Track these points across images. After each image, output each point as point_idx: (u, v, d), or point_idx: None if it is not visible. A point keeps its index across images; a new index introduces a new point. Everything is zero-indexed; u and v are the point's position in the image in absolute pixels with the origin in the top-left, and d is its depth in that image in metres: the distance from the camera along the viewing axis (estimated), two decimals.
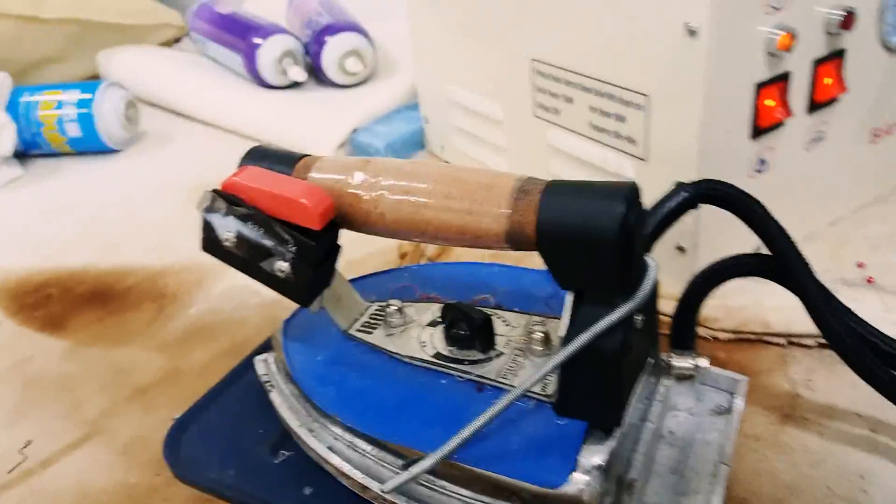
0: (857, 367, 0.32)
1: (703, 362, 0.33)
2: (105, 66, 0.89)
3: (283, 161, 0.34)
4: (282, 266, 0.32)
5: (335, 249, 0.33)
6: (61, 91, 0.72)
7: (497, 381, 0.32)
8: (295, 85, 0.81)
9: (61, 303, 0.52)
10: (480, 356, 0.34)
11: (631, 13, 0.40)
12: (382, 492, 0.31)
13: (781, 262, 0.32)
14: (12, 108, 0.72)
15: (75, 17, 0.87)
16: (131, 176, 0.71)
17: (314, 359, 0.37)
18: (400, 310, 0.37)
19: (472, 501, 0.30)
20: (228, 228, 0.32)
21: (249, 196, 0.32)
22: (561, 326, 0.28)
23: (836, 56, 0.42)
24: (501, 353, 0.34)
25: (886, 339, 0.32)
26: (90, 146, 0.73)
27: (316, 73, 0.81)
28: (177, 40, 1.00)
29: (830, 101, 0.43)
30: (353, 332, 0.37)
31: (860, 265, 0.44)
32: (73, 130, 0.72)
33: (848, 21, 0.40)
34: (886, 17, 0.43)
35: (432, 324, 0.36)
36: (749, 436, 0.35)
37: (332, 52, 0.78)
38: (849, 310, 0.33)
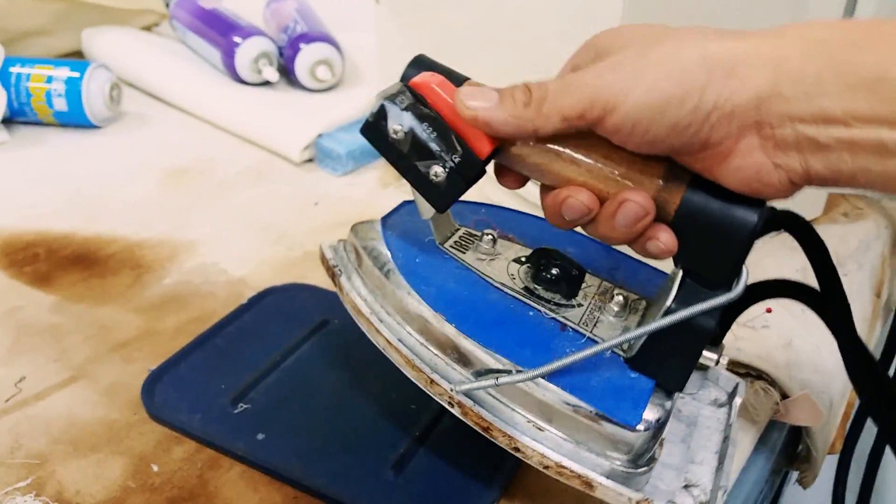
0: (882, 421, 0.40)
1: (724, 360, 0.37)
2: (88, 44, 0.95)
3: (452, 78, 0.37)
4: (438, 172, 0.35)
5: (484, 172, 0.36)
6: (52, 67, 0.79)
7: (580, 327, 0.37)
8: (267, 83, 0.89)
9: (48, 262, 0.59)
10: (563, 301, 0.39)
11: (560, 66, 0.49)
12: (453, 389, 0.36)
13: (826, 299, 0.40)
14: (3, 77, 0.78)
15: None
16: (111, 153, 0.78)
17: (412, 257, 0.40)
18: (494, 240, 0.42)
19: (530, 420, 0.35)
20: (402, 122, 0.35)
21: (433, 100, 0.35)
22: (664, 296, 0.34)
23: None
24: (580, 304, 0.39)
25: None
26: (74, 120, 0.80)
27: (288, 75, 0.89)
28: (156, 24, 1.06)
29: None
30: (446, 247, 0.41)
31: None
32: (60, 104, 0.78)
33: None
34: None
35: (518, 261, 0.41)
36: None
37: (305, 59, 0.86)
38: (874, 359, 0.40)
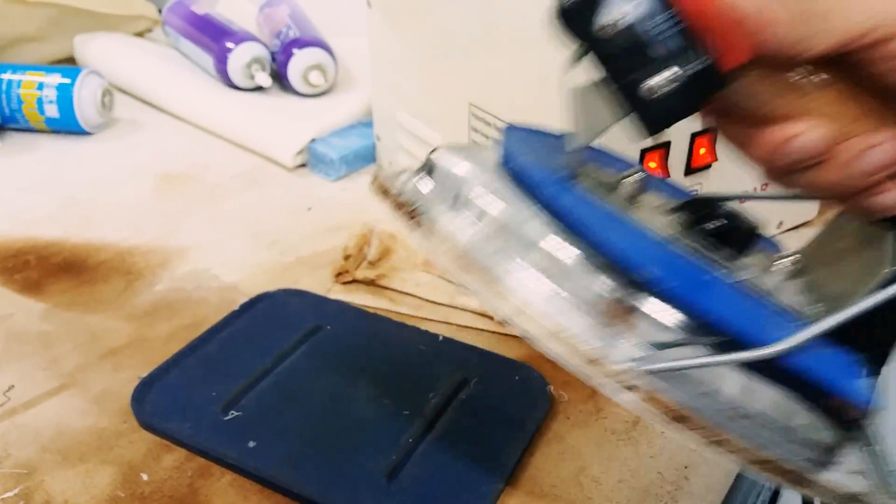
0: None
1: None
2: (81, 50, 0.94)
3: None
4: (659, 83, 0.27)
5: (717, 91, 0.28)
6: (44, 73, 0.78)
7: (768, 292, 0.31)
8: (260, 89, 0.89)
9: (38, 269, 0.59)
10: (727, 258, 0.33)
11: (552, 78, 0.49)
12: (636, 368, 0.26)
13: None
14: None
15: (56, 2, 0.92)
16: (103, 159, 0.78)
17: (552, 194, 0.31)
18: (641, 182, 0.34)
19: (734, 406, 0.27)
20: (624, 11, 0.27)
21: None
22: (857, 258, 0.31)
23: (710, 131, 0.52)
24: (746, 266, 0.33)
25: None
26: (66, 127, 0.79)
27: (280, 80, 0.89)
28: (149, 30, 1.05)
29: (704, 167, 0.53)
30: (583, 187, 0.32)
31: None
32: (52, 111, 0.78)
33: None
34: None
35: (665, 211, 0.35)
36: (608, 429, 0.45)
37: (298, 64, 0.85)
38: None
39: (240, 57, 0.86)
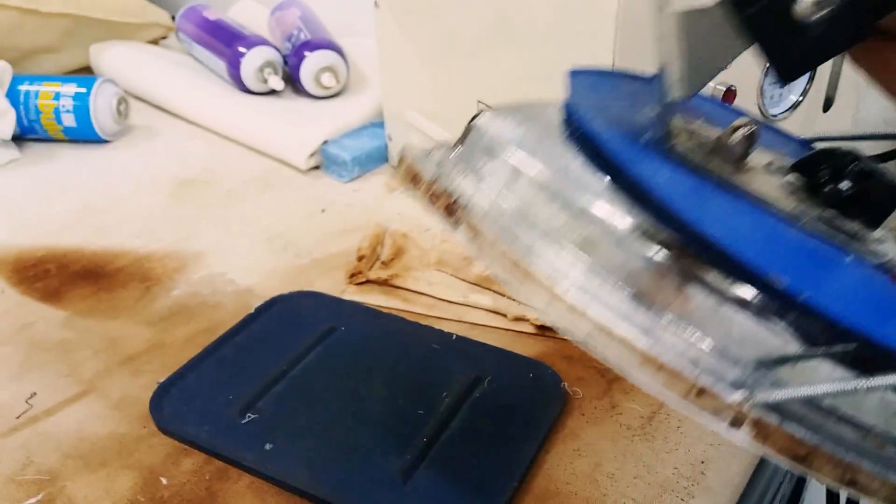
0: None
1: None
2: (96, 59, 0.95)
3: None
4: (816, 4, 0.22)
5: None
6: (60, 83, 0.79)
7: None
8: (272, 92, 0.89)
9: (59, 277, 0.60)
10: (861, 230, 0.26)
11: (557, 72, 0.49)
12: (755, 402, 0.20)
13: None
14: (12, 95, 0.79)
15: (71, 12, 0.93)
16: (119, 166, 0.79)
17: (646, 170, 0.24)
18: (751, 136, 0.27)
19: (870, 433, 0.22)
20: None
21: None
22: None
23: None
24: (885, 238, 0.27)
25: None
26: (83, 135, 0.80)
27: (293, 83, 0.89)
28: (163, 37, 1.06)
29: None
30: (676, 150, 0.26)
31: None
32: (69, 120, 0.79)
33: (729, 95, 0.50)
34: (764, 92, 0.53)
35: (781, 170, 0.28)
36: (623, 425, 0.45)
37: (310, 66, 0.86)
38: None
39: (252, 61, 0.87)
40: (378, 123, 0.78)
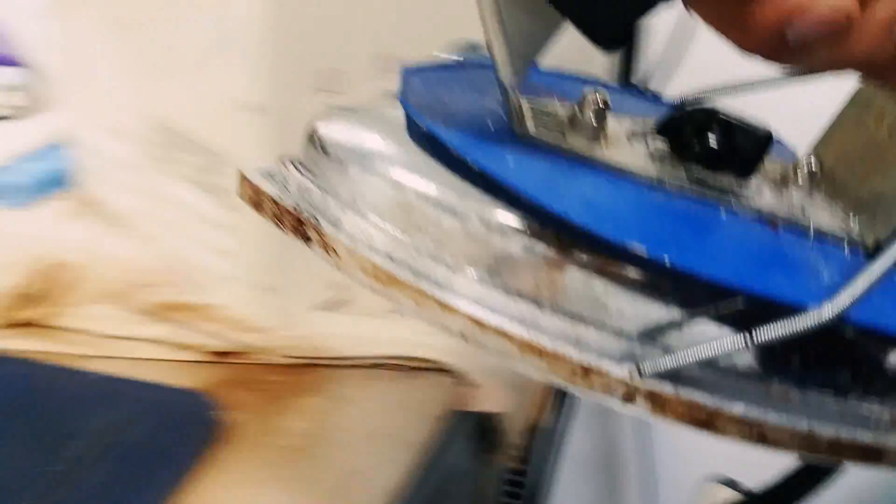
0: None
1: None
2: None
3: None
4: None
5: None
6: None
7: (796, 221, 0.25)
8: None
9: None
10: (735, 184, 0.26)
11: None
12: (646, 372, 0.20)
13: None
14: None
15: None
16: None
17: (492, 156, 0.24)
18: (603, 102, 0.26)
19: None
20: None
21: None
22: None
23: None
24: (762, 189, 0.27)
25: None
26: None
27: None
28: None
29: None
30: (530, 133, 0.25)
31: None
32: None
33: None
34: None
35: (644, 135, 0.27)
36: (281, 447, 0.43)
37: None
38: None
39: None
40: (58, 146, 0.71)
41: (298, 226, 0.24)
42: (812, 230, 0.26)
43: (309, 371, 0.49)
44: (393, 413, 0.46)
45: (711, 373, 0.21)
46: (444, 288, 0.22)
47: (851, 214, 0.27)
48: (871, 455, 0.21)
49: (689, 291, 0.21)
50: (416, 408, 0.46)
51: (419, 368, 0.48)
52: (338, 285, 0.52)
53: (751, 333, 0.20)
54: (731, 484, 0.41)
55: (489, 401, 0.49)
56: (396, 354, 0.48)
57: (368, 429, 0.45)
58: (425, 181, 0.24)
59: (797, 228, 0.26)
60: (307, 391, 0.47)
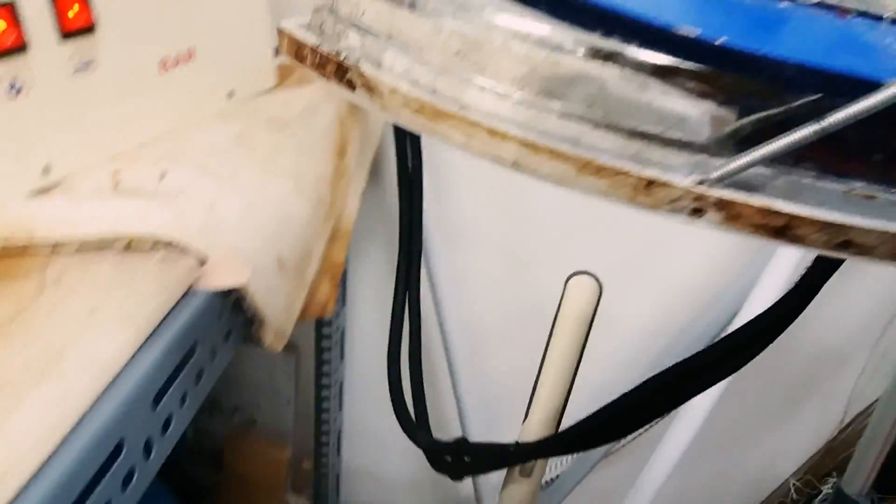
0: None
1: None
2: None
3: None
4: None
5: None
6: None
7: (866, 10, 0.22)
8: None
9: None
10: None
11: None
12: (709, 178, 0.18)
13: None
14: None
15: None
16: None
17: None
18: None
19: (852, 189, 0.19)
20: None
21: None
22: None
23: None
24: None
25: None
26: None
27: None
28: None
29: (83, 31, 0.47)
30: None
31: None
32: None
33: None
34: None
35: None
36: None
37: None
38: None
39: None
40: None
41: (340, 71, 0.23)
42: (885, 16, 0.23)
43: (24, 256, 0.45)
44: (115, 292, 0.43)
45: (786, 177, 0.19)
46: (491, 115, 0.21)
47: None
48: None
49: (756, 84, 0.19)
50: (140, 286, 0.44)
51: (147, 249, 0.45)
52: (53, 168, 0.48)
53: (826, 118, 0.18)
54: None
55: (226, 277, 0.47)
56: (120, 235, 0.45)
57: (86, 308, 0.42)
58: (459, 8, 0.22)
59: (869, 16, 0.23)
60: (18, 277, 0.44)
